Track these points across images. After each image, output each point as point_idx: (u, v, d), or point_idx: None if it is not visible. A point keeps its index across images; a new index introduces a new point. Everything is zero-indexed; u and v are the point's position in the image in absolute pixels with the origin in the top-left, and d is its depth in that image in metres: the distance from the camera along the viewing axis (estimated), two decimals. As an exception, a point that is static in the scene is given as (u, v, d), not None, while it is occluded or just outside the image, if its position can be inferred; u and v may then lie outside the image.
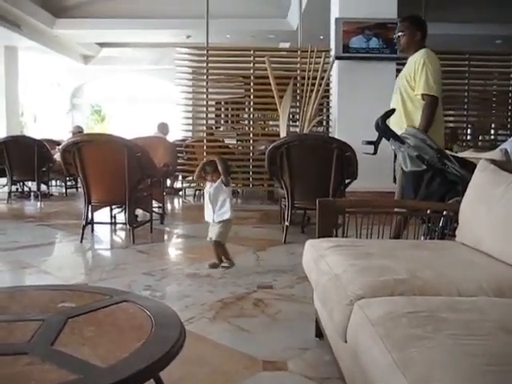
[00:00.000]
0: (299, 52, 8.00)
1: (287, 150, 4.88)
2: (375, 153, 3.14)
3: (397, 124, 3.89)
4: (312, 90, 7.16)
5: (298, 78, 7.88)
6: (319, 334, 2.60)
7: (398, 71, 7.45)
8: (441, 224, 2.95)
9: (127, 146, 4.73)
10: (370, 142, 3.18)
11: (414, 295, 1.69)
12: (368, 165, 5.08)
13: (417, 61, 3.93)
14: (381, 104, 6.87)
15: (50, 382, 1.11)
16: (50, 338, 1.30)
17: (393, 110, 3.33)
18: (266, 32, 12.42)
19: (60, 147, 9.56)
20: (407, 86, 3.99)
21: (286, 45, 12.66)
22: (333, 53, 7.42)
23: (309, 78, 7.25)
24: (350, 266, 1.94)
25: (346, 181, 5.17)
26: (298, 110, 7.88)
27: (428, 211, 2.99)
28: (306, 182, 5.05)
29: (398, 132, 3.70)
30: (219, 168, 3.84)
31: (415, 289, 1.73)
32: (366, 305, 1.59)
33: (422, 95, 3.90)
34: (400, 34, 4.09)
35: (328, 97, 7.99)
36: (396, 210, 3.19)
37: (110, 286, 3.00)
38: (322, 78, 7.19)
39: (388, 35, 7.31)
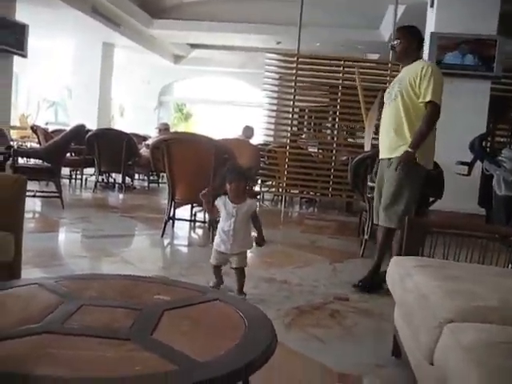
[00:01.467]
0: (390, 65, 7.89)
1: (373, 164, 4.82)
2: (469, 174, 3.06)
3: (395, 132, 3.78)
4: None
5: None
6: (397, 352, 2.56)
7: (494, 90, 7.25)
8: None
9: (216, 147, 4.84)
10: (464, 163, 3.11)
11: (504, 325, 1.64)
12: (453, 185, 4.95)
13: (422, 68, 3.72)
14: (473, 123, 6.76)
15: (152, 368, 1.17)
16: (149, 328, 1.36)
17: (488, 133, 3.23)
18: (355, 42, 12.34)
19: (147, 142, 9.94)
20: (411, 92, 3.74)
21: (375, 56, 12.53)
22: (425, 68, 7.27)
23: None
24: (437, 288, 1.91)
25: (430, 199, 5.06)
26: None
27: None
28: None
29: (394, 145, 3.76)
30: (249, 177, 3.25)
31: (507, 319, 1.68)
32: (457, 329, 1.56)
33: (427, 103, 3.68)
34: (396, 42, 3.94)
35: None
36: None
37: (189, 282, 3.09)
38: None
39: (485, 52, 7.11)
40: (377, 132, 7.72)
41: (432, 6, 7.54)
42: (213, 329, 1.42)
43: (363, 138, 7.45)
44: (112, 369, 1.17)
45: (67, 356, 1.21)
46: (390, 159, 3.83)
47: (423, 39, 4.03)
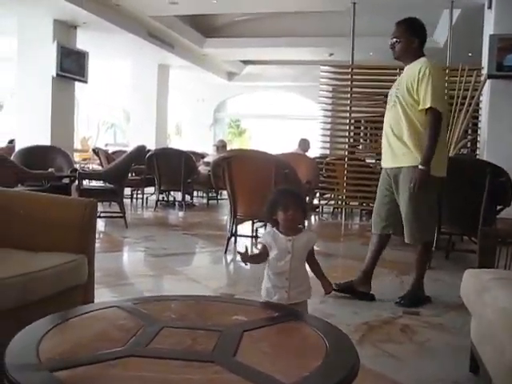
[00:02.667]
0: (447, 71, 7.73)
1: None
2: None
3: (397, 139, 3.57)
4: (460, 110, 6.89)
5: (446, 98, 7.61)
6: (475, 367, 2.47)
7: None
8: None
9: (276, 163, 4.86)
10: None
11: None
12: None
13: (420, 70, 3.46)
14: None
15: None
16: (231, 349, 1.37)
17: None
18: (410, 50, 12.14)
19: (205, 160, 10.08)
20: (409, 98, 3.52)
21: (431, 63, 12.30)
22: (485, 71, 7.09)
23: (458, 98, 6.99)
24: (521, 302, 1.84)
25: (497, 207, 4.90)
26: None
27: None
28: (455, 207, 4.86)
29: (397, 152, 3.57)
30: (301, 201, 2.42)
31: None
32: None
33: (426, 110, 3.44)
34: (394, 40, 3.63)
35: (476, 117, 7.64)
36: None
37: (256, 299, 3.10)
38: (472, 98, 6.89)
39: (548, 53, 6.87)
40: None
41: (490, 7, 7.37)
42: (294, 349, 1.41)
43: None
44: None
45: (156, 379, 1.23)
46: (397, 168, 3.63)
47: (426, 34, 3.67)
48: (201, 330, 1.52)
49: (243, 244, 5.85)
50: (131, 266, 5.15)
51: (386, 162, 3.75)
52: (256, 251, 2.35)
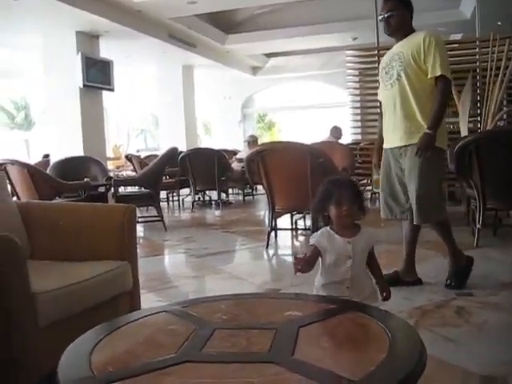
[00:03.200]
0: (478, 42, 7.51)
1: (477, 148, 4.56)
2: None
3: (406, 118, 3.38)
4: (495, 82, 6.66)
5: (478, 70, 7.39)
6: (540, 347, 2.36)
7: None
8: None
9: (310, 153, 4.77)
10: None
11: None
12: None
13: (424, 40, 3.31)
14: None
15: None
16: (288, 348, 1.30)
17: None
18: (436, 25, 11.81)
19: (238, 156, 10.05)
20: (416, 69, 3.34)
21: (458, 36, 11.99)
22: (517, 39, 6.84)
23: (491, 69, 6.77)
24: None
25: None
26: (478, 105, 7.41)
27: None
28: (500, 182, 4.69)
29: (408, 132, 3.38)
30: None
31: None
32: None
33: (437, 78, 3.28)
34: (389, 14, 3.45)
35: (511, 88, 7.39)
36: None
37: (303, 292, 3.03)
38: (507, 68, 6.66)
39: None
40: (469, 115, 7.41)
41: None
42: (355, 342, 1.34)
43: (457, 123, 7.12)
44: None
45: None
46: (404, 147, 3.43)
47: (413, 9, 3.54)
48: (254, 330, 1.46)
49: (284, 237, 5.84)
50: (174, 269, 5.13)
51: (393, 142, 3.51)
52: (302, 251, 2.17)
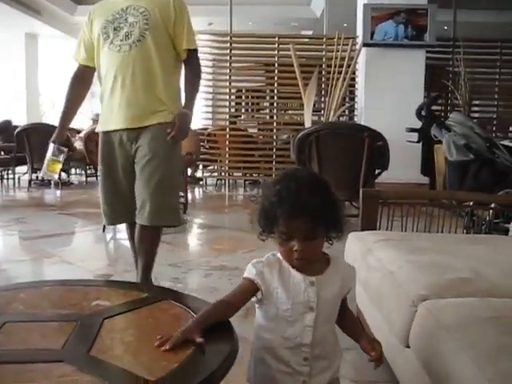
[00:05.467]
0: (325, 39, 7.80)
1: (317, 139, 4.70)
2: (419, 141, 2.97)
3: (146, 91, 2.61)
4: (338, 79, 6.97)
5: (324, 66, 7.69)
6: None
7: (429, 59, 7.25)
8: (488, 218, 2.77)
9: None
10: (413, 130, 3.01)
11: (483, 297, 1.52)
12: (394, 155, 4.87)
13: (174, 2, 2.68)
14: (410, 92, 6.75)
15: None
16: (86, 343, 1.15)
17: (437, 97, 3.13)
18: (288, 20, 12.20)
19: (81, 135, 9.52)
20: (166, 37, 2.66)
21: (309, 32, 12.45)
22: (360, 40, 7.21)
23: (335, 66, 7.07)
24: (405, 263, 1.77)
25: (376, 171, 5.00)
26: (322, 99, 7.72)
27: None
28: (336, 172, 4.87)
29: (147, 109, 2.60)
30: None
31: (484, 290, 1.55)
32: (433, 307, 1.42)
33: (190, 52, 2.73)
34: None
35: (354, 85, 7.80)
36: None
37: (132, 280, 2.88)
38: (349, 66, 6.99)
39: (418, 22, 7.09)
40: (315, 108, 7.71)
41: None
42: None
43: (302, 115, 7.35)
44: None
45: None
46: (141, 128, 2.63)
47: None
48: (52, 322, 1.28)
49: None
50: (1, 252, 4.69)
51: (124, 122, 2.65)
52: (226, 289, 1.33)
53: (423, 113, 3.44)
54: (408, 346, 1.51)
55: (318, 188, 1.23)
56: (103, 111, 2.76)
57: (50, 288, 1.56)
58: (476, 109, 8.51)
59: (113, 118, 2.68)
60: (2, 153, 8.93)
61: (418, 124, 4.14)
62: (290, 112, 9.05)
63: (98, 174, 2.87)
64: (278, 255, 1.28)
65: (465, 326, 1.24)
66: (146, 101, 2.63)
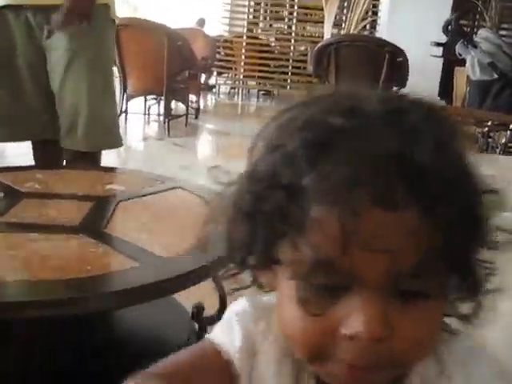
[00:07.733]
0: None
1: (336, 50, 4.58)
2: (443, 56, 2.89)
3: None
4: (362, -10, 6.69)
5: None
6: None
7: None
8: (504, 139, 2.75)
9: (168, 34, 4.48)
10: (439, 44, 2.92)
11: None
12: (413, 74, 4.75)
13: None
14: (437, 9, 6.47)
15: (106, 267, 1.00)
16: (102, 221, 1.18)
17: (469, 12, 3.00)
18: None
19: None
20: None
21: None
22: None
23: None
24: None
25: (394, 88, 4.90)
26: (344, 11, 7.46)
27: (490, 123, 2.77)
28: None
29: None
30: None
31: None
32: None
33: None
34: None
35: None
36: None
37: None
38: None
39: None
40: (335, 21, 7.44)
41: None
42: (176, 220, 1.24)
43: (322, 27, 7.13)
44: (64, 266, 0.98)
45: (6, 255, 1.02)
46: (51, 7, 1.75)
47: None
48: (69, 200, 1.31)
49: (135, 122, 5.55)
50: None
51: None
52: None
53: (450, 28, 3.32)
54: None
55: (440, 146, 0.42)
56: None
57: (65, 171, 1.58)
58: (504, 33, 8.18)
59: None
60: None
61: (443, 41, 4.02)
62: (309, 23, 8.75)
63: None
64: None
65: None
66: None
